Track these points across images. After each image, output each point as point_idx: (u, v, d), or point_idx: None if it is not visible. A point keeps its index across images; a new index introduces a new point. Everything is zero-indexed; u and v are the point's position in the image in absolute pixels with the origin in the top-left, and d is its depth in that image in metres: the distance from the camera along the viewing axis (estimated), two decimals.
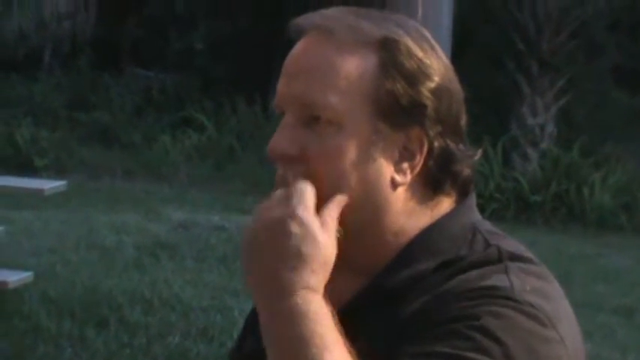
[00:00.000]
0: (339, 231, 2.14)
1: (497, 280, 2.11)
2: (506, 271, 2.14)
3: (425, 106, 2.15)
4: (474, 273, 2.14)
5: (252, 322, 2.46)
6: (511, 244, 2.25)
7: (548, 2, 21.08)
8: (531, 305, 2.07)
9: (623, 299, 13.47)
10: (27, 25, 23.66)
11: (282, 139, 2.19)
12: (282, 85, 2.22)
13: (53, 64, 26.14)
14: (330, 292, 2.19)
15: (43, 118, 23.99)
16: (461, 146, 2.23)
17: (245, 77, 23.14)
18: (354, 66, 2.16)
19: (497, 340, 2.00)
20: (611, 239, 18.70)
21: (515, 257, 2.19)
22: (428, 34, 2.25)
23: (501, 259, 2.17)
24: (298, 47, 2.22)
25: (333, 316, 2.16)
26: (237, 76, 23.42)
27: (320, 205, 2.14)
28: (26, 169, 19.60)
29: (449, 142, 2.19)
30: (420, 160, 2.18)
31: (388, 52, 2.16)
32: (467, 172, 2.25)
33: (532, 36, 21.87)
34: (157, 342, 10.06)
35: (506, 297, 2.06)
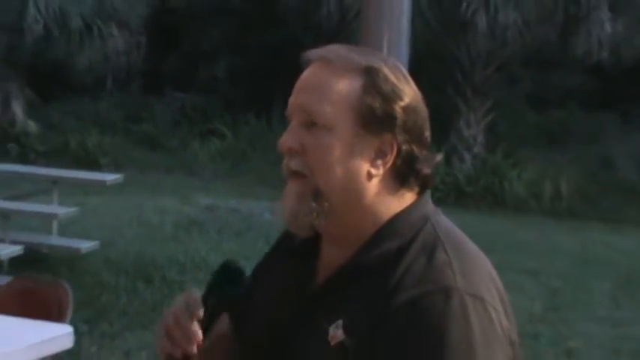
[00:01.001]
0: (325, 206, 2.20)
1: (438, 257, 2.15)
2: (443, 249, 2.16)
3: (395, 118, 2.19)
4: (421, 256, 2.15)
5: (259, 273, 2.51)
6: (450, 229, 2.28)
7: (479, 44, 20.94)
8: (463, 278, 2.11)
9: (531, 263, 13.46)
10: (95, 59, 23.46)
11: (288, 137, 2.24)
12: (291, 98, 2.27)
13: (113, 88, 26.03)
14: (322, 262, 2.30)
15: (106, 129, 23.86)
16: (424, 151, 2.24)
17: (254, 99, 23.04)
18: (344, 86, 2.21)
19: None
20: (524, 219, 18.66)
21: (450, 240, 2.21)
22: (402, 67, 2.30)
23: (439, 239, 2.19)
24: (306, 71, 2.28)
25: None
26: (249, 98, 23.32)
27: (313, 184, 2.21)
28: (93, 166, 19.54)
29: (414, 147, 2.22)
30: (390, 159, 2.21)
31: (370, 77, 2.20)
32: (427, 171, 2.26)
33: (467, 69, 21.76)
34: None
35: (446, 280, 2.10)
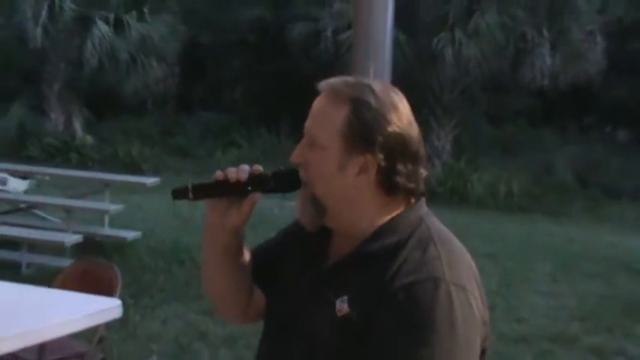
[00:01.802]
0: (322, 210, 2.24)
1: (430, 252, 2.16)
2: (434, 245, 2.17)
3: (375, 141, 2.16)
4: (416, 252, 2.16)
5: (287, 236, 2.53)
6: (440, 229, 2.28)
7: (446, 73, 20.96)
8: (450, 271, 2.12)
9: (488, 248, 13.44)
10: (138, 85, 23.48)
11: (296, 153, 2.25)
12: (307, 120, 2.26)
13: (153, 108, 26.04)
14: (333, 248, 2.31)
15: (147, 141, 23.83)
16: (410, 166, 2.20)
17: (266, 117, 23.04)
18: (334, 114, 2.19)
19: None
20: (483, 213, 18.65)
21: (440, 238, 2.22)
22: (395, 97, 2.24)
23: (431, 238, 2.19)
24: (316, 100, 2.26)
25: None
26: (262, 116, 23.32)
27: (312, 191, 2.23)
28: (137, 171, 19.56)
29: (397, 164, 2.18)
30: (372, 174, 2.18)
31: (355, 106, 2.17)
32: (409, 184, 2.21)
33: (437, 93, 21.74)
34: None
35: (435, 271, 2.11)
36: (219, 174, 2.30)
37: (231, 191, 2.29)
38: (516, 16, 20.84)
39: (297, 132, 2.33)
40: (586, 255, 14.09)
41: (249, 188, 2.28)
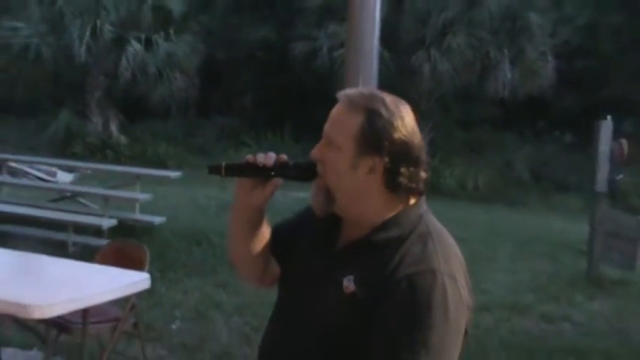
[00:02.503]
0: (333, 200, 2.26)
1: (429, 247, 2.17)
2: (432, 241, 2.18)
3: (383, 147, 2.17)
4: (417, 246, 2.17)
5: (302, 218, 2.52)
6: (437, 226, 2.28)
7: (424, 85, 21.02)
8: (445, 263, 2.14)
9: (458, 233, 13.34)
10: (164, 94, 23.46)
11: (316, 149, 2.25)
12: (326, 124, 2.26)
13: (176, 113, 25.99)
14: (343, 233, 2.31)
15: (171, 141, 23.82)
16: (412, 169, 2.20)
17: (272, 121, 23.03)
18: (350, 121, 2.19)
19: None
20: (454, 203, 18.65)
21: (437, 235, 2.23)
22: (402, 109, 2.26)
23: (430, 234, 2.20)
24: (335, 106, 2.26)
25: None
26: (268, 120, 23.31)
27: (325, 183, 2.25)
28: (163, 166, 19.58)
29: (400, 167, 2.19)
30: (378, 174, 2.19)
31: (368, 115, 2.18)
32: (411, 185, 2.21)
33: (416, 102, 21.76)
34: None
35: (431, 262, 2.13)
36: (249, 157, 2.31)
37: (258, 174, 2.31)
38: (482, 37, 20.88)
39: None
40: (539, 238, 14.14)
41: (273, 173, 2.30)
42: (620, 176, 11.06)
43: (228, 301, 8.23)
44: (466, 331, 2.20)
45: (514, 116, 24.61)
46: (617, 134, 10.72)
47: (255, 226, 2.43)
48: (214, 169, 2.31)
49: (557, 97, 23.72)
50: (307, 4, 22.68)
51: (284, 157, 2.31)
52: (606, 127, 10.57)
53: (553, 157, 23.12)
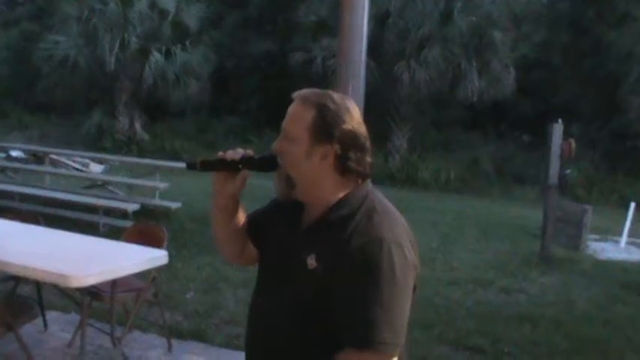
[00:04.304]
0: (293, 186, 2.25)
1: (374, 219, 2.15)
2: (378, 214, 2.16)
3: (333, 136, 2.16)
4: (365, 219, 2.15)
5: (272, 207, 2.49)
6: (382, 201, 2.25)
7: (404, 91, 21.03)
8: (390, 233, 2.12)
9: (432, 218, 13.49)
10: (181, 97, 23.47)
11: (276, 143, 2.26)
12: (284, 120, 2.26)
13: (191, 114, 26.00)
14: (305, 216, 2.30)
15: (186, 137, 23.86)
16: (358, 154, 2.19)
17: (272, 121, 22.94)
18: (305, 115, 2.19)
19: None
20: (429, 193, 18.71)
21: (382, 209, 2.21)
22: (348, 104, 2.24)
23: (375, 208, 2.18)
24: (291, 105, 2.26)
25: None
26: (269, 120, 23.25)
27: (286, 172, 2.24)
28: (179, 159, 19.41)
29: (350, 153, 2.18)
30: (330, 160, 2.18)
31: (319, 110, 2.18)
32: (359, 168, 2.21)
33: (397, 106, 21.78)
34: None
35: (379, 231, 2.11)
36: (220, 154, 2.32)
37: (227, 167, 2.32)
38: (454, 51, 20.85)
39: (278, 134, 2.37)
40: (500, 223, 14.18)
41: (240, 166, 2.31)
42: (569, 171, 11.10)
43: (235, 275, 8.23)
44: (415, 287, 2.18)
45: (480, 119, 24.67)
46: (566, 135, 10.75)
47: (231, 212, 2.44)
48: (191, 165, 2.34)
49: (516, 103, 23.84)
50: (304, 21, 22.65)
51: (250, 152, 2.31)
52: (557, 129, 10.61)
53: (513, 154, 23.17)
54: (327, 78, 19.12)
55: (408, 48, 20.76)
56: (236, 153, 2.31)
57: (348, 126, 2.20)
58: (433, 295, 8.18)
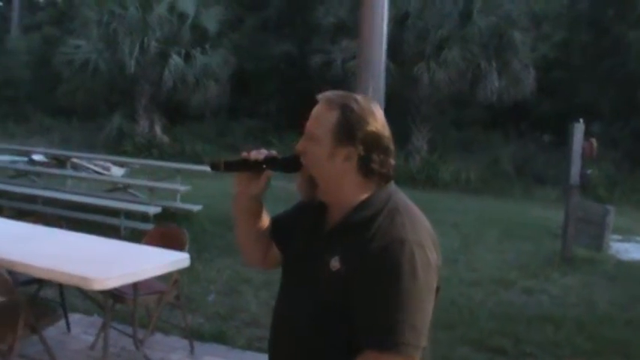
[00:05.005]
0: (315, 187, 2.25)
1: (397, 220, 2.13)
2: (400, 215, 2.15)
3: (355, 137, 2.16)
4: (387, 221, 2.14)
5: (297, 210, 2.50)
6: (405, 202, 2.24)
7: (424, 91, 20.97)
8: (414, 234, 2.11)
9: (453, 219, 13.43)
10: (201, 100, 23.54)
11: (299, 144, 2.26)
12: (308, 121, 2.27)
13: (210, 116, 26.02)
14: (328, 218, 2.29)
15: (206, 140, 23.91)
16: (382, 156, 2.20)
17: (292, 123, 22.91)
18: (328, 116, 2.20)
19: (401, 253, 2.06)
20: (449, 194, 18.64)
21: (404, 210, 2.20)
22: (373, 105, 2.25)
23: (398, 210, 2.17)
24: (315, 106, 2.26)
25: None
26: (289, 123, 23.30)
27: (309, 173, 2.24)
28: (199, 161, 19.46)
29: (372, 155, 2.19)
30: (353, 162, 2.18)
31: (343, 111, 2.18)
32: (382, 170, 2.21)
33: (417, 106, 21.77)
34: None
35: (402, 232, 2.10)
36: (244, 154, 2.34)
37: (251, 168, 2.33)
38: (473, 51, 20.81)
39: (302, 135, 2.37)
40: (521, 224, 14.12)
41: (264, 167, 2.32)
42: (590, 171, 11.04)
43: (256, 277, 8.24)
44: (438, 289, 2.18)
45: (501, 119, 24.56)
46: (587, 135, 10.70)
47: (254, 214, 2.46)
48: (215, 166, 2.33)
49: (537, 103, 23.71)
50: (323, 23, 22.65)
51: (274, 152, 2.33)
52: (579, 128, 10.56)
53: (534, 154, 23.04)
54: (346, 80, 19.13)
55: (427, 49, 20.74)
56: (260, 153, 2.33)
57: (371, 128, 2.20)
58: (455, 296, 8.16)
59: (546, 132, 25.47)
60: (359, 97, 2.26)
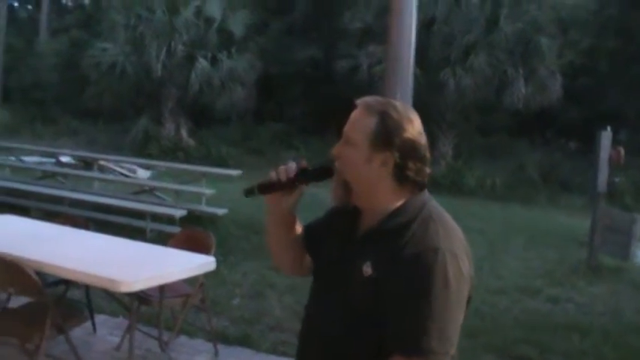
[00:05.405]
0: (350, 192, 2.27)
1: (431, 228, 2.15)
2: (434, 224, 2.16)
3: (393, 144, 2.17)
4: (421, 229, 2.15)
5: (330, 216, 2.50)
6: (439, 211, 2.25)
7: (450, 97, 20.88)
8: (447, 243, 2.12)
9: (478, 226, 13.37)
10: (226, 104, 23.61)
11: (335, 147, 2.28)
12: (346, 125, 2.27)
13: (236, 120, 26.12)
14: (361, 223, 2.30)
15: (232, 143, 23.94)
16: (418, 164, 2.21)
17: (317, 128, 23.01)
18: (367, 122, 2.20)
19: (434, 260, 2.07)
20: (474, 201, 18.54)
21: (438, 218, 2.21)
22: (410, 113, 2.25)
23: (432, 218, 2.18)
24: (354, 111, 2.27)
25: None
26: (314, 127, 23.35)
27: (343, 177, 2.26)
28: (225, 165, 19.58)
29: (408, 162, 2.20)
30: (389, 168, 2.19)
31: (382, 117, 2.19)
32: (417, 178, 2.22)
33: (443, 112, 21.70)
34: None
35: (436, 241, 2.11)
36: (273, 175, 2.36)
37: (284, 187, 2.36)
38: (500, 58, 20.74)
39: (339, 139, 2.38)
40: (547, 231, 14.04)
41: (296, 183, 2.35)
42: (617, 179, 10.97)
43: (280, 281, 8.26)
44: (469, 299, 2.19)
45: (527, 125, 24.45)
46: (614, 142, 10.63)
47: (287, 227, 2.49)
48: (250, 192, 2.39)
49: (563, 110, 23.55)
50: (349, 27, 22.64)
51: (303, 163, 2.36)
52: (606, 136, 10.49)
53: (560, 161, 22.93)
54: (372, 85, 19.13)
55: (453, 54, 20.70)
56: (289, 170, 2.35)
57: (408, 135, 2.21)
58: (480, 304, 8.12)
59: (572, 139, 25.35)
60: (397, 104, 2.27)
